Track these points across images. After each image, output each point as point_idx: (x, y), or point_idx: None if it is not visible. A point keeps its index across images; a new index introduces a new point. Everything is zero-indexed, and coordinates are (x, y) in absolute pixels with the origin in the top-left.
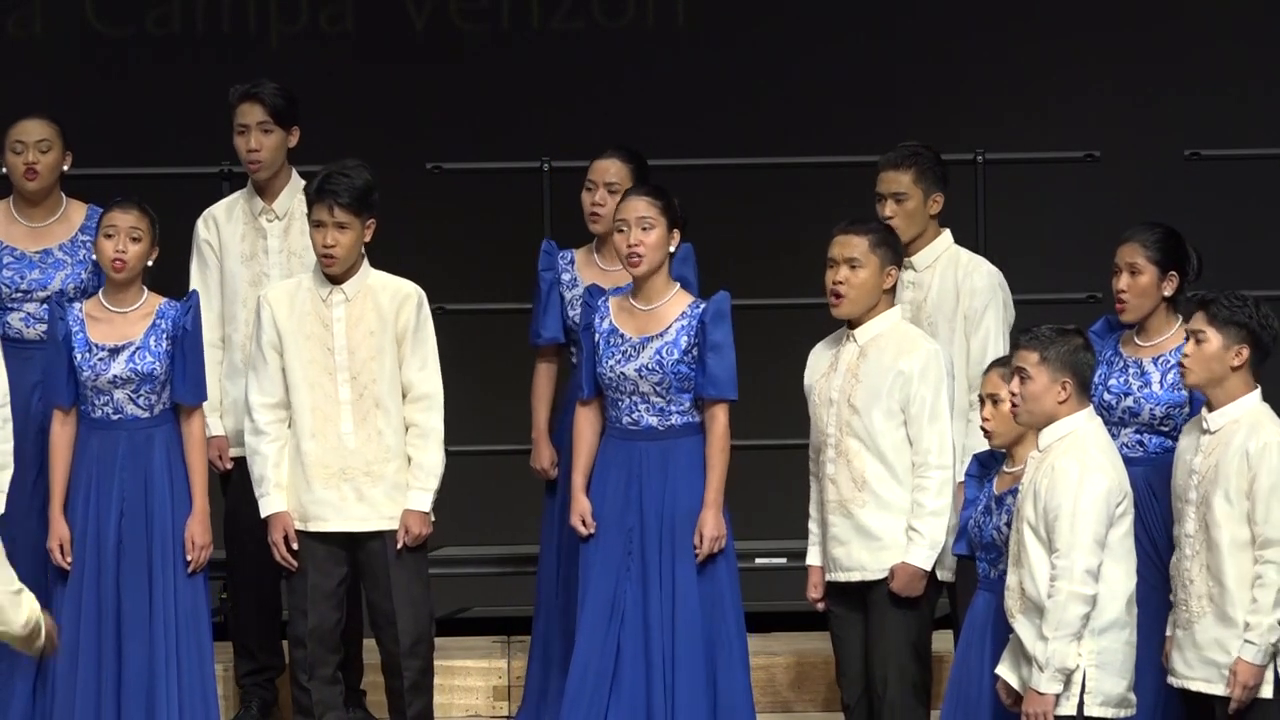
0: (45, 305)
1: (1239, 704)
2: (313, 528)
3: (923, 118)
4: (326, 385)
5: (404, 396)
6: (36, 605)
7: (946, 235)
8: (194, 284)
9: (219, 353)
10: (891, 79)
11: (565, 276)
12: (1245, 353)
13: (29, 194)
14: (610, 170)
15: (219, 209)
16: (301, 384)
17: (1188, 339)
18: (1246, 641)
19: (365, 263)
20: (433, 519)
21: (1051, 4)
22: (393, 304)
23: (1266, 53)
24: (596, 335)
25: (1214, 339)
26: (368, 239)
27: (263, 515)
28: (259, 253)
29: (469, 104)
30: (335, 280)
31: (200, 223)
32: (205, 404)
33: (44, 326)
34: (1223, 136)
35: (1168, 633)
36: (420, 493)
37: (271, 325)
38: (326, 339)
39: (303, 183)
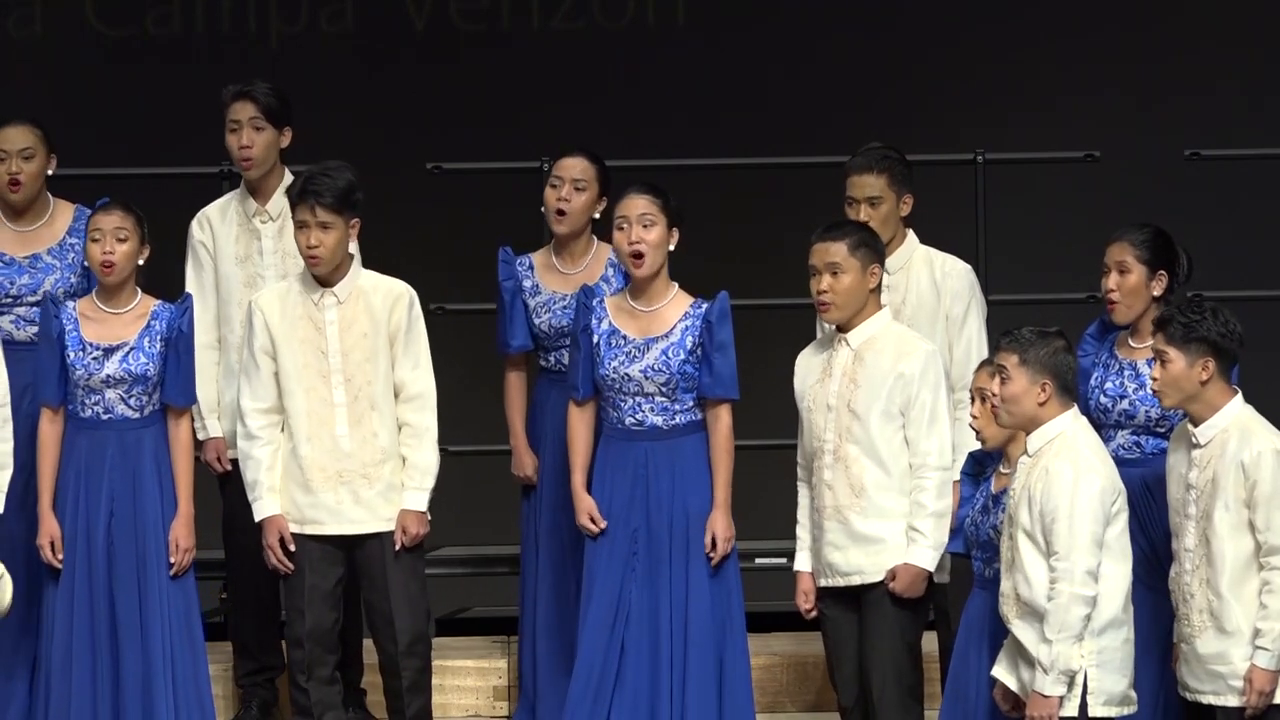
0: (36, 308)
1: (1255, 711)
2: (309, 530)
3: (923, 118)
4: (320, 389)
5: (396, 396)
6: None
7: (913, 236)
8: (189, 285)
9: (215, 354)
10: (892, 79)
11: (526, 283)
12: (1211, 365)
13: (14, 204)
14: (576, 167)
15: (212, 210)
16: (296, 389)
17: (1153, 361)
18: (1259, 648)
19: (356, 264)
20: (429, 518)
21: (1051, 4)
22: (385, 304)
23: (1266, 53)
24: (595, 337)
25: (1177, 359)
26: (353, 238)
27: (256, 519)
28: (253, 254)
29: (469, 104)
30: (325, 283)
31: (194, 224)
32: (203, 406)
33: (34, 330)
34: (1223, 136)
35: (1175, 639)
36: (416, 493)
37: (264, 330)
38: (320, 342)
39: None
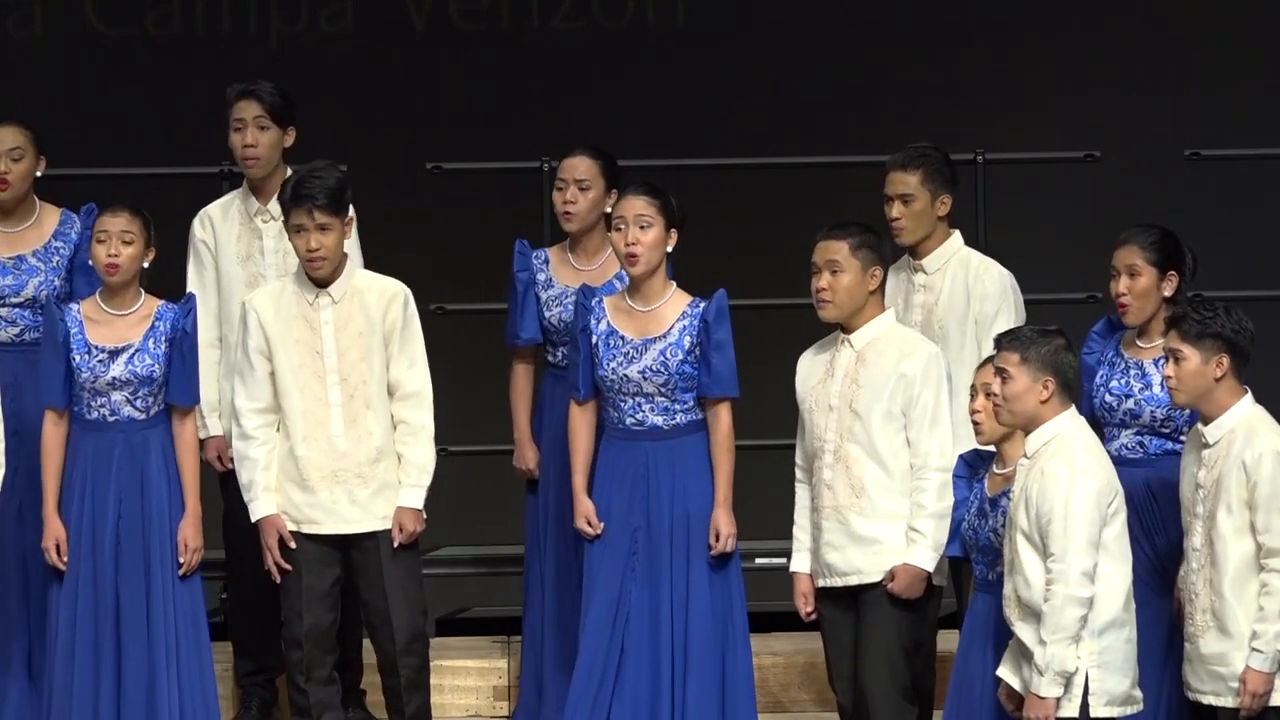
0: (18, 309)
1: (1250, 712)
2: (305, 530)
3: (923, 118)
4: (316, 388)
5: (391, 394)
6: None
7: (957, 237)
8: (190, 284)
9: (216, 353)
10: (891, 79)
11: (540, 276)
12: (1225, 362)
13: (1, 204)
14: (579, 167)
15: (214, 209)
16: (292, 389)
17: (1166, 359)
18: (1254, 650)
19: (350, 263)
20: (425, 516)
21: (1051, 4)
22: (380, 303)
23: (1266, 53)
24: (594, 338)
25: (1192, 355)
26: (349, 237)
27: (253, 519)
28: (255, 253)
29: (469, 104)
30: (320, 283)
31: (196, 222)
32: (204, 404)
33: (16, 330)
34: (1223, 136)
35: (1185, 639)
36: (413, 490)
37: (259, 330)
38: (315, 342)
39: None
